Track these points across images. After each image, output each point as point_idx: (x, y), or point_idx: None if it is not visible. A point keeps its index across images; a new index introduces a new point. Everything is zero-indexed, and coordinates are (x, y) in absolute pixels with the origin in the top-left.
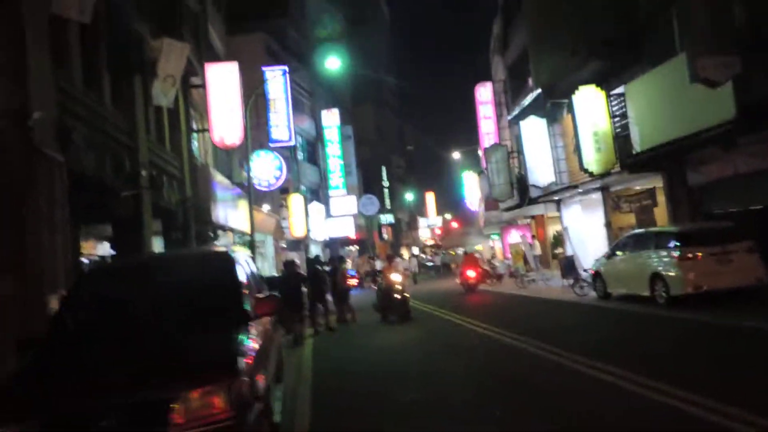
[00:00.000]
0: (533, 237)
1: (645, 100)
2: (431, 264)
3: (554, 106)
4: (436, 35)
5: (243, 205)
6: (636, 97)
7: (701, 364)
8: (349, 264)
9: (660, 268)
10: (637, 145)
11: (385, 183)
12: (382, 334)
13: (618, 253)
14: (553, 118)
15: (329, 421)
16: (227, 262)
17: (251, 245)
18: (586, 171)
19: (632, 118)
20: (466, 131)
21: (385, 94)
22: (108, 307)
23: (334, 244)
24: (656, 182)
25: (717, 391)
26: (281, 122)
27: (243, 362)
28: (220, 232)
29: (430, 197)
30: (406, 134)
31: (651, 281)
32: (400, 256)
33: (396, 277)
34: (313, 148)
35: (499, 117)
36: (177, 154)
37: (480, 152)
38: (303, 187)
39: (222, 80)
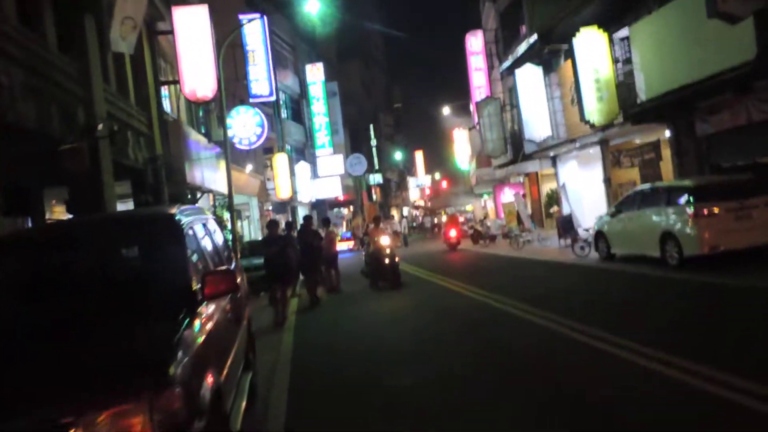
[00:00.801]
0: (523, 195)
1: (651, 42)
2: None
3: (551, 53)
4: None
5: (224, 165)
6: (641, 40)
7: (725, 333)
8: (344, 227)
9: (672, 227)
10: (643, 93)
11: (373, 142)
12: (372, 304)
13: (623, 210)
14: (549, 67)
15: (308, 416)
16: (171, 227)
17: (230, 207)
18: (586, 122)
19: (637, 63)
20: (457, 87)
21: (373, 50)
22: (6, 292)
23: (321, 206)
24: (659, 135)
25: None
26: (261, 75)
27: (179, 365)
28: (198, 194)
29: (419, 156)
30: (394, 92)
31: (661, 241)
32: (391, 216)
33: (385, 241)
34: (298, 105)
35: (490, 69)
36: (144, 109)
37: (471, 107)
38: (288, 147)
39: (191, 25)
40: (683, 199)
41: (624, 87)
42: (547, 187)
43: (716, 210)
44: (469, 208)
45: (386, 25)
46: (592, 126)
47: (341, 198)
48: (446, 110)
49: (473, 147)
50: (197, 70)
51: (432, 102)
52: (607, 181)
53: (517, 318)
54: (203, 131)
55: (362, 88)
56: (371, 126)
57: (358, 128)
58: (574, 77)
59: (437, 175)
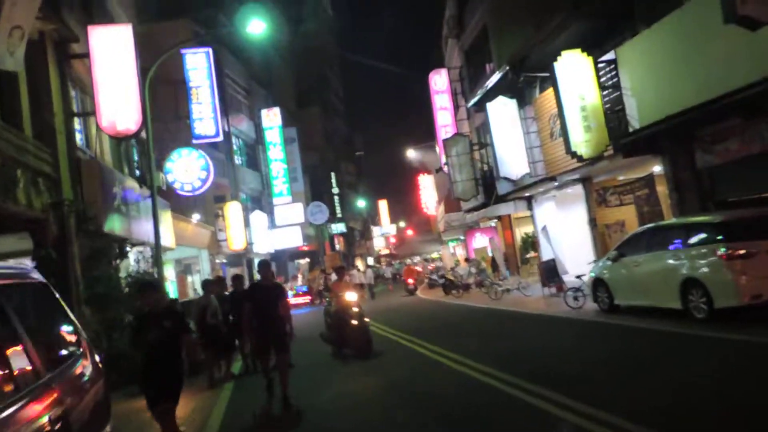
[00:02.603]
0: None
1: (643, 65)
2: (385, 275)
3: (526, 84)
4: (383, 25)
5: (168, 215)
6: (631, 63)
7: None
8: (299, 279)
9: (696, 272)
10: (635, 121)
11: (335, 190)
12: (335, 383)
13: (627, 253)
14: (523, 100)
15: None
16: None
17: (156, 261)
18: (573, 155)
19: (627, 88)
20: (421, 131)
21: (333, 98)
22: None
23: (281, 257)
24: (649, 169)
25: None
26: (206, 114)
27: None
28: (127, 248)
29: (383, 205)
30: (355, 140)
31: (683, 289)
32: (356, 267)
33: (351, 297)
34: (254, 151)
35: (456, 108)
36: (48, 144)
37: (437, 148)
38: (243, 195)
39: (111, 47)
40: (709, 238)
41: (612, 116)
42: (521, 231)
43: (754, 250)
44: (435, 255)
45: (346, 70)
46: (580, 159)
47: (305, 247)
48: (411, 153)
49: (440, 191)
50: (118, 99)
51: (395, 149)
52: (592, 221)
53: (528, 407)
54: (137, 175)
55: (323, 135)
56: (332, 174)
57: (319, 177)
58: (557, 105)
59: (402, 224)
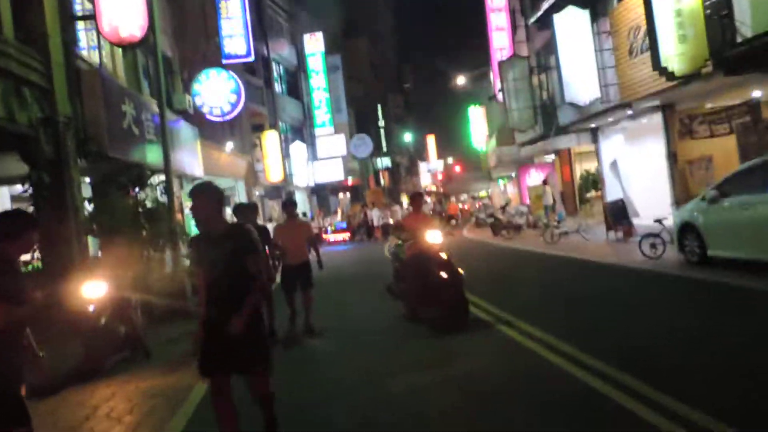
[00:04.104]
0: (543, 182)
1: None
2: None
3: None
4: None
5: (194, 142)
6: None
7: None
8: (339, 215)
9: None
10: (747, 28)
11: (381, 123)
12: (409, 371)
13: (732, 193)
14: (597, 12)
15: None
16: None
17: (168, 190)
18: (662, 72)
19: None
20: (473, 61)
21: (381, 27)
22: None
23: (322, 191)
24: (747, 93)
25: None
26: (237, 31)
27: None
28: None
29: (431, 140)
30: (404, 72)
31: None
32: (399, 203)
33: (434, 237)
34: (295, 79)
35: (514, 29)
36: (39, 50)
37: (491, 75)
38: (282, 125)
39: None
40: None
41: (714, 23)
42: (582, 168)
43: None
44: (483, 194)
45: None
46: (670, 77)
47: (348, 182)
48: (462, 80)
49: (491, 124)
50: (120, 0)
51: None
52: (672, 156)
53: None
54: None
55: (370, 67)
56: (379, 107)
57: (365, 109)
58: (645, 10)
59: (450, 160)
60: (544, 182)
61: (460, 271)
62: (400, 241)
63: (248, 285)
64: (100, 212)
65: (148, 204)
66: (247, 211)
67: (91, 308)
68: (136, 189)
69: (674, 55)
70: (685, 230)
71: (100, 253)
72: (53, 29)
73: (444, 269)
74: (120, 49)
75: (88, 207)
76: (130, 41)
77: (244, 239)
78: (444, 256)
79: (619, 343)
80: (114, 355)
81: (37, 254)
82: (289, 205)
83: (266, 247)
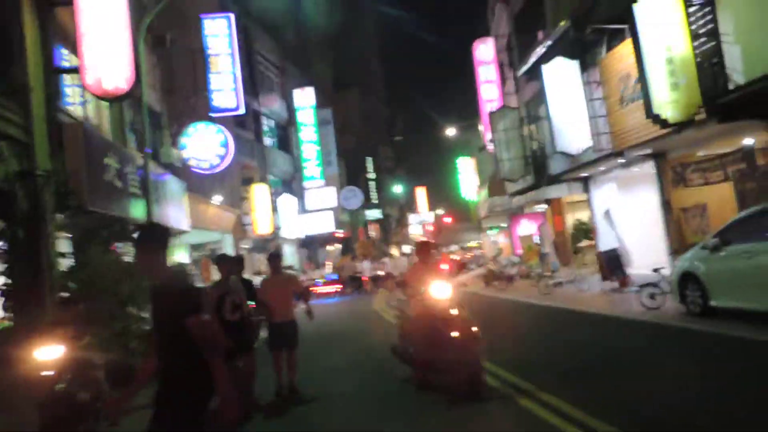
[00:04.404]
0: (540, 228)
1: (750, 1)
2: None
3: (589, 44)
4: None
5: (185, 197)
6: (734, 1)
7: None
8: (328, 267)
9: None
10: (739, 75)
11: (372, 175)
12: None
13: (734, 241)
14: (586, 62)
15: None
16: None
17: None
18: (656, 120)
19: (728, 34)
20: (462, 112)
21: (372, 80)
22: None
23: (311, 243)
24: (738, 140)
25: None
26: (226, 86)
27: None
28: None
29: (421, 192)
30: (395, 124)
31: None
32: (389, 255)
33: (443, 290)
34: (285, 132)
35: (503, 82)
36: (18, 102)
37: (481, 127)
38: (273, 178)
39: None
40: None
41: (706, 70)
42: (573, 217)
43: None
44: (473, 244)
45: (386, 48)
46: (664, 124)
47: (340, 234)
48: (451, 131)
49: (482, 174)
50: (105, 52)
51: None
52: (666, 204)
53: None
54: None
55: (361, 119)
56: (369, 159)
57: (355, 161)
58: (637, 60)
59: (440, 211)
60: (540, 226)
61: (476, 330)
62: (401, 296)
63: (191, 359)
64: (79, 268)
65: (129, 259)
66: (231, 263)
67: (47, 372)
68: (118, 244)
69: (667, 102)
70: (686, 279)
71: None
72: (36, 82)
73: (456, 329)
74: (106, 103)
75: (67, 263)
76: (114, 94)
77: (187, 296)
78: (456, 312)
79: (648, 411)
80: (75, 424)
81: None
82: (274, 258)
83: (253, 302)
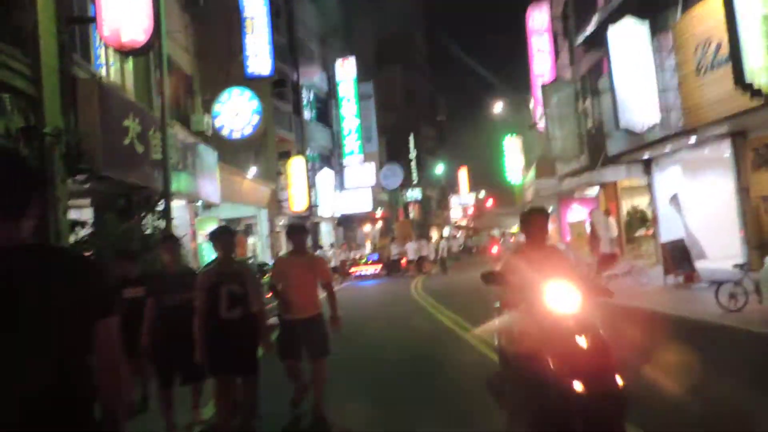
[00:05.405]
0: (606, 212)
1: None
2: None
3: (662, 6)
4: None
5: (213, 166)
6: None
7: None
8: (367, 248)
9: None
10: None
11: (413, 154)
12: None
13: None
14: (657, 25)
15: None
16: None
17: (165, 214)
18: (747, 89)
19: None
20: (510, 91)
21: (416, 56)
22: None
23: (349, 222)
24: None
25: None
26: (261, 50)
27: None
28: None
29: (463, 174)
30: (438, 103)
31: None
32: (428, 238)
33: (571, 301)
34: (325, 106)
35: (557, 54)
36: (27, 52)
37: (531, 103)
38: (310, 152)
39: None
40: None
41: None
42: (628, 204)
43: None
44: (514, 230)
45: (433, 24)
46: (755, 93)
47: (377, 214)
48: (498, 107)
49: (529, 155)
50: (122, 3)
51: (479, 112)
52: (744, 191)
53: None
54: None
55: (403, 96)
56: (411, 137)
57: (396, 139)
58: (726, 17)
59: (482, 193)
60: (607, 213)
61: (620, 382)
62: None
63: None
64: (94, 238)
65: (149, 231)
66: (224, 238)
67: None
68: (143, 214)
69: (762, 68)
70: None
71: None
72: (47, 30)
73: (582, 376)
74: (130, 65)
75: (85, 233)
76: (132, 47)
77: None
78: (584, 341)
79: None
80: None
81: None
82: (298, 232)
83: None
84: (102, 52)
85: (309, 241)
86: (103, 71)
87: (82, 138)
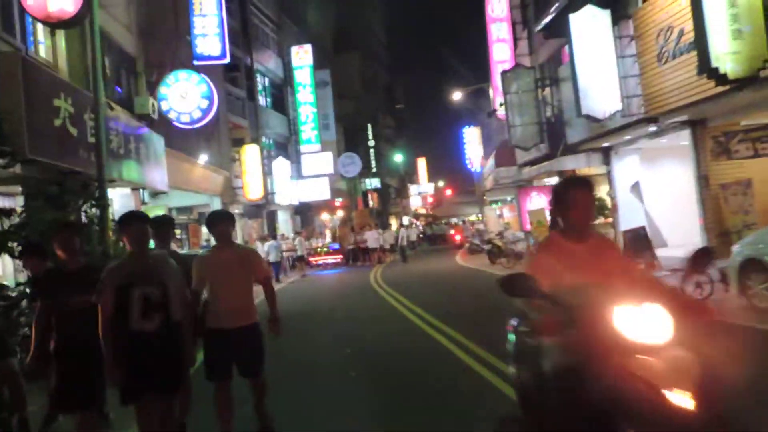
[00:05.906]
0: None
1: None
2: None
3: None
4: None
5: (154, 149)
6: None
7: None
8: (328, 236)
9: None
10: None
11: (371, 143)
12: None
13: None
14: (618, 13)
15: None
16: None
17: (99, 201)
18: (713, 74)
19: None
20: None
21: (374, 44)
22: None
23: (306, 211)
24: None
25: None
26: (211, 30)
27: None
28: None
29: (421, 163)
30: (397, 92)
31: None
32: (387, 226)
33: (652, 328)
34: (281, 93)
35: (515, 42)
36: None
37: (490, 92)
38: (266, 140)
39: None
40: None
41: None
42: None
43: None
44: (473, 218)
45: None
46: (720, 79)
47: (336, 203)
48: (458, 95)
49: (487, 145)
50: None
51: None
52: (704, 179)
53: None
54: (122, 101)
55: (361, 84)
56: (369, 125)
57: (354, 127)
58: (692, 1)
59: (440, 183)
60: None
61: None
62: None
63: None
64: (15, 229)
65: (82, 219)
66: (136, 227)
67: None
68: (80, 202)
69: (727, 53)
70: (748, 268)
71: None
72: None
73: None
74: (62, 40)
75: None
76: (59, 18)
77: None
78: (691, 405)
79: None
80: None
81: None
82: (221, 220)
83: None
84: (35, 29)
85: (265, 230)
86: (33, 49)
87: (4, 117)
